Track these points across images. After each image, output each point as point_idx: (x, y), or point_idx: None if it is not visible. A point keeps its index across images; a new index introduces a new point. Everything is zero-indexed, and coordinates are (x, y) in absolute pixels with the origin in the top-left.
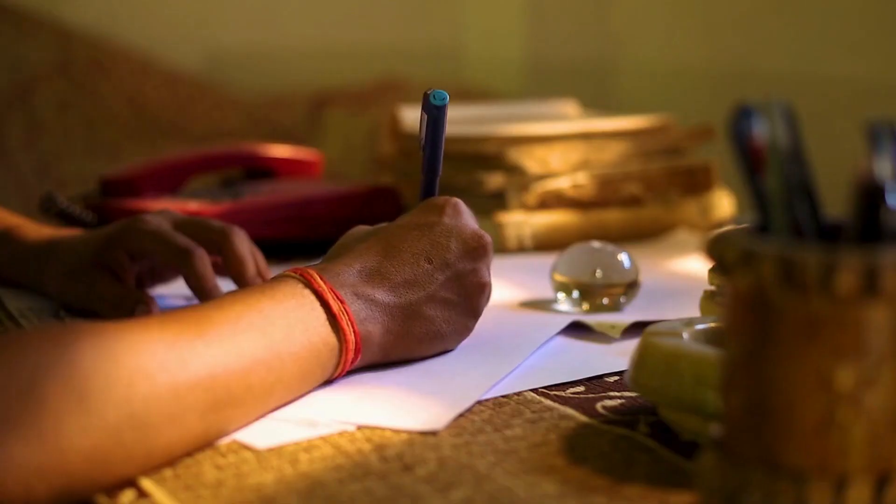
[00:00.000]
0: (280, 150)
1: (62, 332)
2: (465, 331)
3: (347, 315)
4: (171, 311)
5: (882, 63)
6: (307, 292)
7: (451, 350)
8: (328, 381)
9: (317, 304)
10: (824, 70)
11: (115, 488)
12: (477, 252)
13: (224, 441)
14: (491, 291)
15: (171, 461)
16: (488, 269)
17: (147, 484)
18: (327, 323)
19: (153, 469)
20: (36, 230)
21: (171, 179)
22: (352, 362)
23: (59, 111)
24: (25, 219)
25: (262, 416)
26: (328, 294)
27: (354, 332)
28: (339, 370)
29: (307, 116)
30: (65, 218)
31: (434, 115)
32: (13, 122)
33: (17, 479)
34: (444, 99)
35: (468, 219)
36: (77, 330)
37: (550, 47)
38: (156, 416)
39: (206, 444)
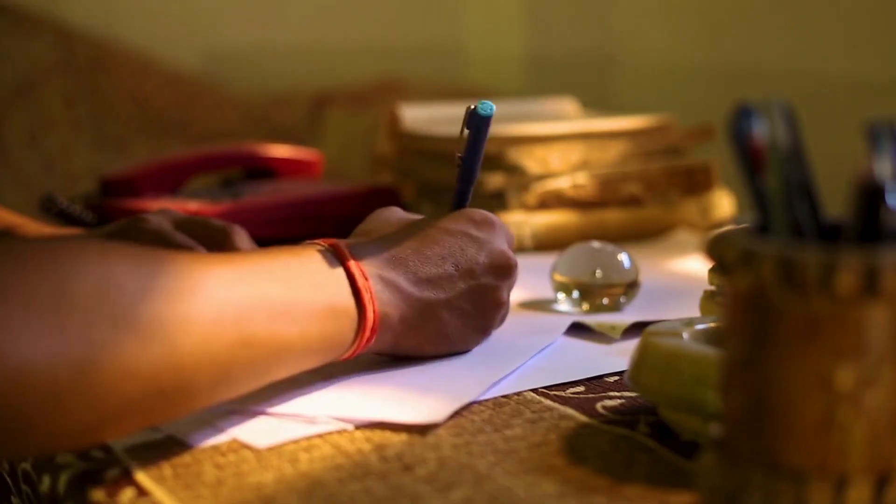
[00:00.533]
0: (280, 150)
1: (100, 248)
2: (473, 343)
3: (370, 292)
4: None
5: (883, 61)
6: (335, 261)
7: (455, 354)
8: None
9: (342, 273)
10: (824, 67)
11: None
12: (502, 271)
13: (224, 440)
14: (507, 313)
15: (211, 399)
16: (509, 291)
17: (147, 483)
18: (351, 294)
19: (188, 405)
20: (37, 229)
21: (171, 179)
22: (367, 342)
23: (62, 110)
24: (26, 218)
25: (280, 377)
26: (354, 267)
27: (374, 310)
28: (355, 346)
29: (307, 116)
30: (65, 218)
31: (479, 124)
32: (15, 121)
33: (43, 369)
34: (489, 109)
35: (501, 237)
36: (118, 248)
37: (550, 43)
38: (183, 337)
39: (234, 386)
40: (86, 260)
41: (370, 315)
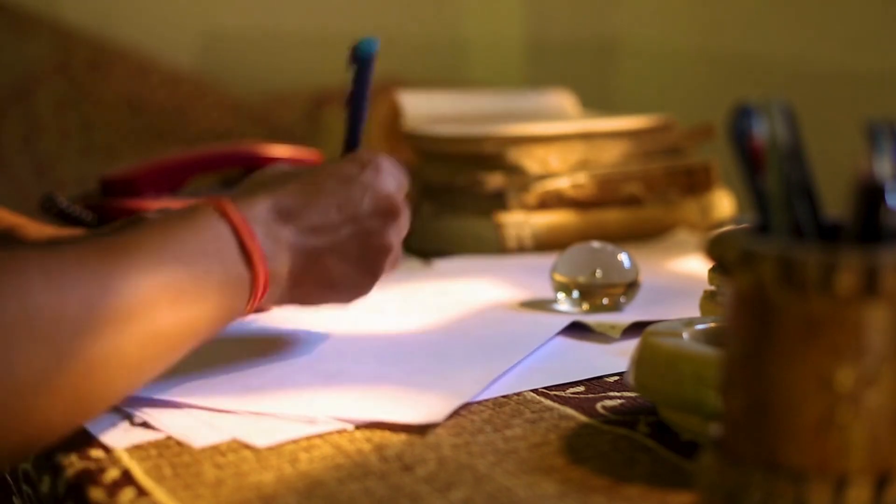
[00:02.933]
0: (280, 150)
1: (12, 261)
2: (360, 289)
3: (259, 252)
4: (94, 238)
5: (885, 51)
6: (223, 224)
7: (344, 304)
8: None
9: (232, 237)
10: (826, 55)
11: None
12: (387, 214)
13: (224, 440)
14: (398, 257)
15: (117, 397)
16: (398, 234)
17: (147, 482)
18: (240, 257)
19: (101, 408)
20: (37, 230)
21: (171, 179)
22: (259, 298)
23: (58, 111)
24: (26, 218)
25: (191, 347)
26: (242, 229)
27: (265, 270)
28: (249, 306)
29: (307, 116)
30: (65, 218)
31: (361, 64)
32: (11, 123)
33: None
34: (371, 47)
35: (388, 180)
36: (24, 259)
37: (550, 29)
38: (96, 345)
39: (144, 376)
40: (3, 281)
41: (261, 277)
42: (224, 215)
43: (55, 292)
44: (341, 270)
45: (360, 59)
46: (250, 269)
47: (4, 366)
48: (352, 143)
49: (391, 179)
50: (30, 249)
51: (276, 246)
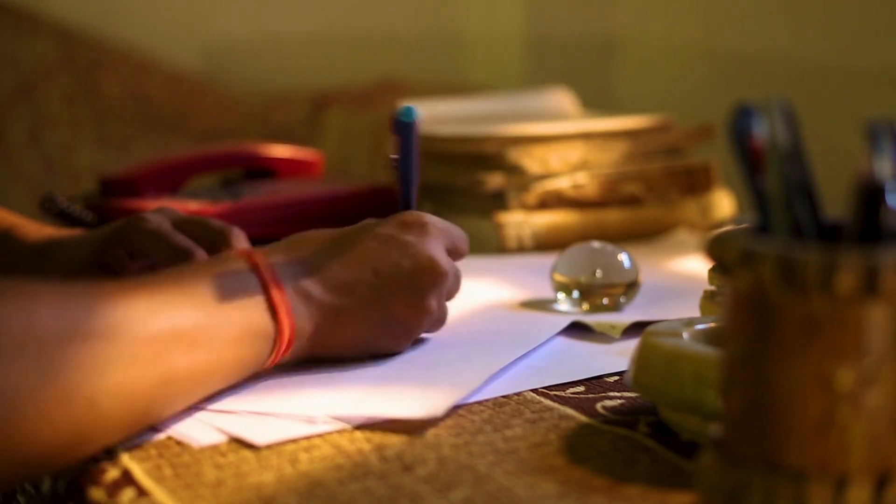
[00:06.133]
0: (280, 150)
1: (19, 290)
2: (398, 346)
3: (286, 306)
4: (126, 279)
5: (886, 47)
6: (252, 278)
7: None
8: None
9: (259, 290)
10: (827, 52)
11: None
12: (428, 279)
13: (224, 440)
14: (443, 319)
15: (121, 433)
16: (437, 299)
17: (147, 483)
18: (266, 310)
19: (103, 440)
20: (36, 230)
21: (171, 179)
22: (282, 354)
23: (63, 109)
24: (26, 218)
25: (207, 394)
26: (271, 284)
27: (290, 323)
28: (271, 359)
29: (307, 116)
30: (65, 218)
31: (404, 131)
32: (17, 121)
33: None
34: (411, 116)
35: (432, 243)
36: (33, 290)
37: (551, 25)
38: (100, 378)
39: (153, 417)
40: (11, 304)
41: (286, 330)
42: (253, 266)
43: (60, 322)
44: (373, 332)
45: (402, 127)
46: (275, 322)
47: (6, 390)
48: (406, 204)
49: (436, 242)
50: (40, 282)
51: (304, 303)
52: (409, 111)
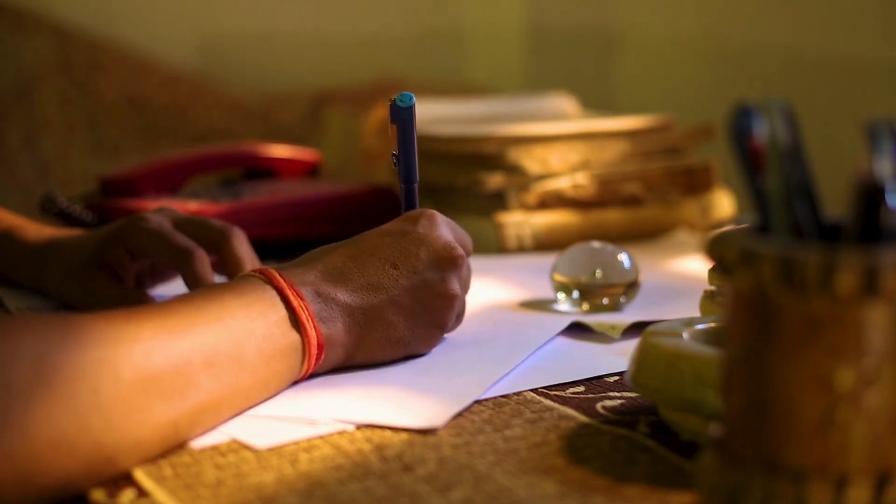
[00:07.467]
0: (280, 150)
1: (32, 322)
2: (432, 339)
3: (307, 311)
4: (138, 306)
5: (892, 43)
6: (268, 288)
7: (421, 355)
8: (298, 382)
9: (277, 299)
10: (828, 44)
11: (99, 484)
12: (447, 263)
13: (224, 441)
14: (463, 305)
15: (147, 456)
16: (460, 282)
17: (147, 483)
18: (287, 319)
19: (128, 464)
20: (37, 230)
21: (171, 179)
22: (316, 361)
23: (59, 111)
24: (26, 219)
25: (237, 412)
26: (288, 290)
27: (315, 329)
28: (304, 368)
29: (307, 116)
30: (65, 218)
31: (402, 118)
32: (13, 123)
33: None
34: (409, 100)
35: (443, 230)
36: (46, 321)
37: (551, 20)
38: (121, 405)
39: (181, 439)
40: (21, 342)
41: (312, 335)
42: (269, 280)
43: (74, 350)
44: (406, 324)
45: (400, 113)
46: (301, 332)
47: (23, 421)
48: (409, 201)
49: (446, 229)
50: (56, 314)
51: (328, 308)
52: (406, 96)
